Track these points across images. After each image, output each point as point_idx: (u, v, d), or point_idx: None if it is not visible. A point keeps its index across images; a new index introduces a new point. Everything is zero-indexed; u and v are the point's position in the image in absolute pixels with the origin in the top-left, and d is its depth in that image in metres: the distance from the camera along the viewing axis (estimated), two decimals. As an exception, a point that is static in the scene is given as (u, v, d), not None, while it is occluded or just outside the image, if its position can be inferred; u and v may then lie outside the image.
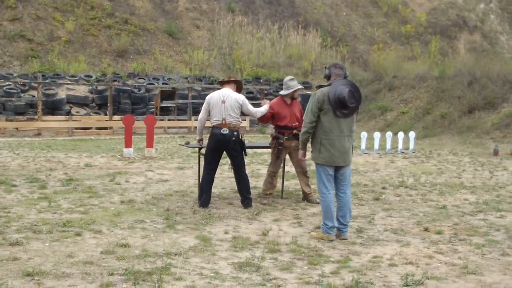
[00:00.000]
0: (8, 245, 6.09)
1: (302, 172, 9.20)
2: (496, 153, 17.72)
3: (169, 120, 26.31)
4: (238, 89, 8.75)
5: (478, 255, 6.20)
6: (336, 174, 6.90)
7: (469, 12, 42.42)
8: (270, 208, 8.61)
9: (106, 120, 24.69)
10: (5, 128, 22.73)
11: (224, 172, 11.83)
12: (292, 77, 9.50)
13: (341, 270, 5.51)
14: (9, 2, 30.53)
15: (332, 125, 6.70)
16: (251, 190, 8.76)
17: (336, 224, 6.76)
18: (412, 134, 18.56)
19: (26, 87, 26.00)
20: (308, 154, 7.22)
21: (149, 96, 27.48)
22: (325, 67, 7.15)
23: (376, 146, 17.85)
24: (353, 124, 6.99)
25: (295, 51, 34.20)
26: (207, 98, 8.55)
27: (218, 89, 8.71)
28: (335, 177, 6.92)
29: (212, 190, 8.71)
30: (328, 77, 6.96)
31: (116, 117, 24.19)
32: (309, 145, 7.03)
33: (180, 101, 27.35)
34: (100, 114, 26.14)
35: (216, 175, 8.80)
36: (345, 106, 6.61)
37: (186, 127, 26.00)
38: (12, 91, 25.18)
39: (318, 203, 8.94)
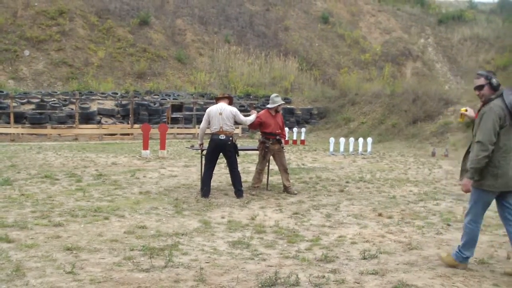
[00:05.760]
0: (52, 226, 6.08)
1: (283, 170, 9.21)
2: (433, 154, 17.83)
3: (178, 128, 26.22)
4: (230, 103, 8.75)
5: (419, 234, 6.24)
6: (503, 201, 4.80)
7: (412, 45, 42.64)
8: (258, 198, 8.62)
9: (128, 128, 24.62)
10: (50, 134, 22.68)
11: (221, 169, 11.83)
12: (277, 94, 9.56)
13: (313, 247, 5.53)
14: (55, 37, 30.58)
15: (511, 143, 4.67)
16: (242, 184, 8.77)
17: (473, 255, 4.98)
18: (369, 140, 18.62)
19: (67, 102, 25.90)
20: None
21: (162, 109, 27.39)
22: (492, 75, 4.73)
23: (341, 149, 17.90)
24: None
25: (277, 73, 34.18)
26: (207, 111, 8.54)
27: (215, 103, 8.71)
28: (503, 205, 4.82)
29: (211, 184, 8.71)
30: (496, 88, 4.68)
31: (136, 126, 24.13)
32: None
33: (187, 112, 27.26)
34: (123, 123, 26.03)
35: (214, 172, 8.80)
36: None
37: (191, 134, 25.94)
38: (56, 105, 25.13)
39: (296, 194, 8.98)
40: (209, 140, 8.45)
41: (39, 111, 24.20)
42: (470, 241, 4.83)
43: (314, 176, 11.56)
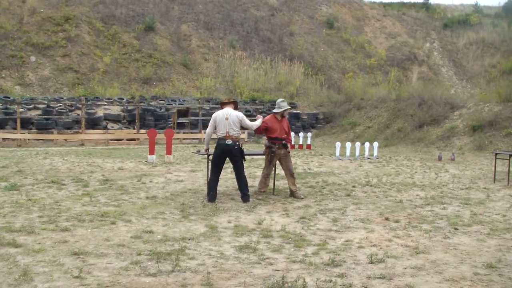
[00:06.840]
0: (59, 230, 6.10)
1: (290, 174, 9.19)
2: (440, 158, 17.77)
3: (184, 133, 26.28)
4: (236, 108, 8.77)
5: (426, 238, 6.21)
6: None
7: (418, 49, 42.60)
8: (264, 202, 8.60)
9: (134, 133, 24.68)
10: (57, 139, 22.78)
11: (227, 174, 11.83)
12: (283, 99, 9.55)
13: (320, 251, 5.51)
14: (61, 43, 30.80)
15: None
16: (249, 188, 8.76)
17: None
18: (375, 144, 18.59)
19: (73, 108, 26.05)
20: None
21: (168, 114, 27.49)
22: None
23: (348, 153, 17.87)
24: None
25: (283, 78, 34.21)
26: (213, 116, 8.55)
27: (221, 109, 8.72)
28: None
29: (217, 188, 8.71)
30: None
31: (142, 131, 24.18)
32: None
33: (193, 118, 27.34)
34: (130, 128, 26.12)
35: (220, 176, 8.80)
36: None
37: (197, 139, 25.98)
38: (62, 110, 25.29)
39: (303, 198, 8.97)
40: (215, 145, 8.46)
41: (45, 116, 24.33)
42: None
43: (321, 180, 11.55)
